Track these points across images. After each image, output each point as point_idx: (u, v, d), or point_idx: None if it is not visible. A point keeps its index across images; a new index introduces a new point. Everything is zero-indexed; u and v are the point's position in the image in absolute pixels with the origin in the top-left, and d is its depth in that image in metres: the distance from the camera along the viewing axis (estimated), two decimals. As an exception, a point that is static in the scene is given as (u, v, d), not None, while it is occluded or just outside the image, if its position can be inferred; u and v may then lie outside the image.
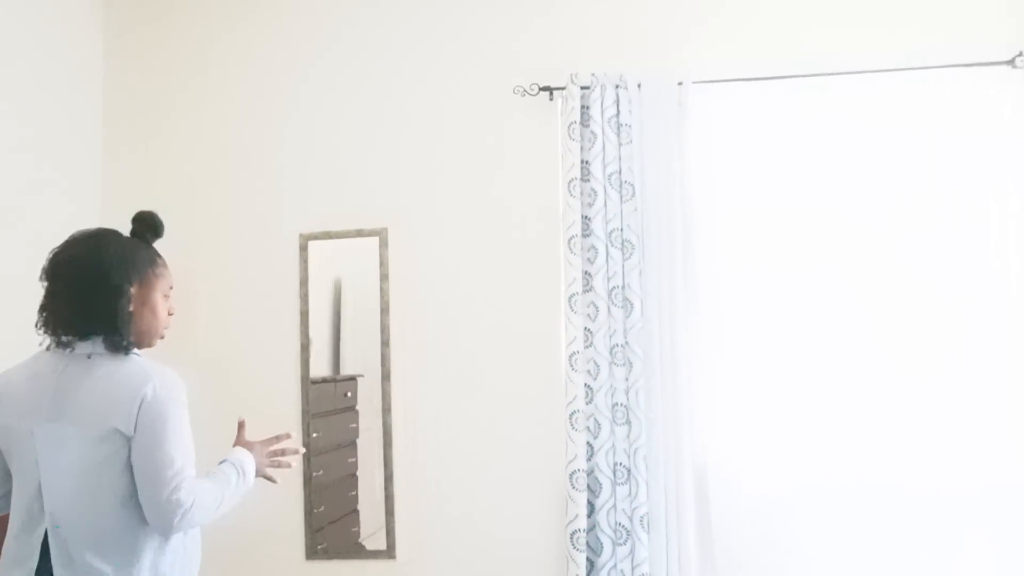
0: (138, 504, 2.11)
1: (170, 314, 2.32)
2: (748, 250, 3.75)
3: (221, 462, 2.32)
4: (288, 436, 2.50)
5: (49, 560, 2.08)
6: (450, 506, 3.76)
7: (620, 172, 3.64)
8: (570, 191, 3.64)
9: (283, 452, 2.47)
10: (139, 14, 4.09)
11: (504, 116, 3.82)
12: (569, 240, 3.62)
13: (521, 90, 3.77)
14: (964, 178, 3.67)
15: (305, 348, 3.86)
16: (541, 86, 3.75)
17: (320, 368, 3.89)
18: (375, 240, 3.85)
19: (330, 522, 3.85)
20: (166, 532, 2.13)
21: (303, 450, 2.56)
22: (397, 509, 3.77)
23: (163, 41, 4.07)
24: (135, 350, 2.22)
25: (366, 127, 3.91)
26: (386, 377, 3.81)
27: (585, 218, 3.65)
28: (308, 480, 3.81)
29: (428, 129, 3.88)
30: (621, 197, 3.63)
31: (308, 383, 3.86)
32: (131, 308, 2.19)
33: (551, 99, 3.76)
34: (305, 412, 3.83)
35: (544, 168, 3.78)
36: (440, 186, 3.86)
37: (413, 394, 3.81)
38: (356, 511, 3.85)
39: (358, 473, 3.82)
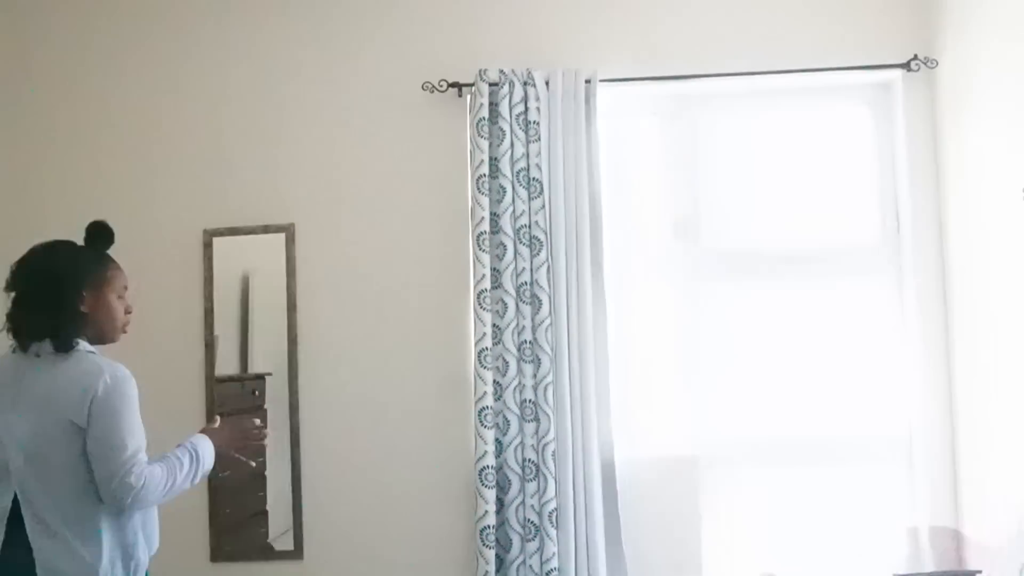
0: (93, 489, 2.35)
1: (128, 312, 2.58)
2: (656, 245, 3.86)
3: (177, 446, 2.51)
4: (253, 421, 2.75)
5: (14, 534, 2.34)
6: (359, 505, 3.73)
7: (528, 169, 3.65)
8: (479, 188, 3.64)
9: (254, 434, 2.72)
10: (21, 7, 3.94)
11: (413, 112, 3.80)
12: (478, 237, 3.62)
13: (430, 86, 3.75)
14: (859, 179, 3.82)
15: (210, 346, 3.78)
16: (450, 82, 3.74)
17: (228, 367, 3.82)
18: (282, 236, 3.79)
19: (238, 523, 3.79)
20: (119, 512, 2.38)
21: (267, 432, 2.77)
22: (305, 509, 3.73)
23: (60, 30, 3.94)
24: (89, 347, 2.45)
25: (273, 121, 3.85)
26: (293, 375, 3.76)
27: (494, 215, 3.65)
28: (213, 481, 3.73)
29: (336, 124, 3.84)
30: (529, 194, 3.64)
31: (213, 382, 3.78)
32: (85, 310, 2.44)
33: (460, 95, 3.75)
34: (210, 411, 3.74)
35: (453, 164, 3.76)
36: (348, 182, 3.82)
37: (321, 392, 3.76)
38: (265, 512, 3.79)
39: (267, 473, 3.75)
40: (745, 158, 3.90)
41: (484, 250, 3.61)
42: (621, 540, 3.59)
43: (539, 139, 3.64)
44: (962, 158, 3.51)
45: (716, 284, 3.85)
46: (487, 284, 3.61)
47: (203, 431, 2.65)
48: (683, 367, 3.83)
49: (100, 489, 2.36)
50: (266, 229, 3.80)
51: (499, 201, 3.64)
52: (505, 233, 3.62)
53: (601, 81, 3.68)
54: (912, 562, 3.14)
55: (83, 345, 2.46)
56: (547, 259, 3.60)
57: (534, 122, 3.65)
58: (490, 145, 3.67)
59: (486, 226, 3.62)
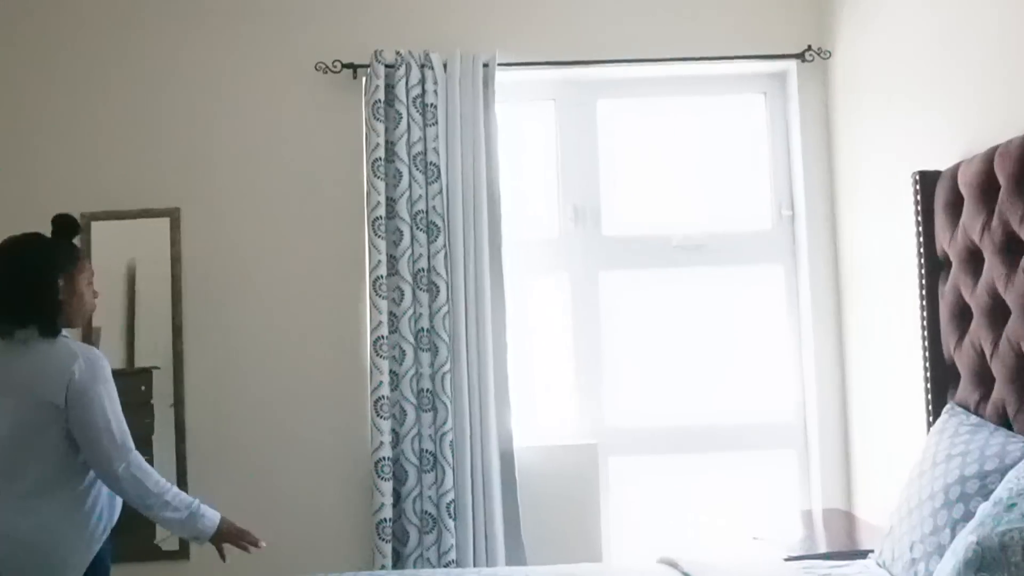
0: (72, 463, 2.51)
1: (96, 296, 2.71)
2: (555, 231, 3.85)
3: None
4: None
5: None
6: (249, 502, 3.55)
7: (425, 153, 3.57)
8: (374, 172, 3.54)
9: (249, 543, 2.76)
10: None
11: (306, 94, 3.68)
12: (374, 222, 3.52)
13: (323, 67, 3.63)
14: (755, 166, 3.89)
15: (87, 339, 3.58)
16: (344, 63, 3.63)
17: (113, 360, 3.61)
18: (166, 221, 3.63)
19: (124, 525, 3.59)
20: (108, 476, 2.52)
21: (263, 546, 2.79)
22: (192, 506, 3.56)
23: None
24: (65, 332, 2.58)
25: (154, 101, 3.67)
26: (179, 368, 3.59)
27: (390, 200, 3.55)
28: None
29: (225, 105, 3.69)
30: (426, 178, 3.56)
31: (94, 376, 3.58)
32: (61, 298, 2.55)
33: (355, 77, 3.64)
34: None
35: (348, 148, 3.66)
36: (236, 165, 3.68)
37: (209, 385, 3.61)
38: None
39: (154, 471, 3.57)
40: (643, 145, 3.94)
41: (380, 236, 3.51)
42: (520, 530, 3.54)
43: (436, 122, 3.56)
44: (853, 145, 3.57)
45: (615, 271, 3.87)
46: (383, 271, 3.51)
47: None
48: (582, 354, 3.81)
49: (90, 458, 2.51)
50: (148, 213, 3.62)
51: (395, 186, 3.54)
52: (401, 218, 3.53)
53: (500, 65, 3.62)
54: (806, 544, 3.17)
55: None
56: (445, 245, 3.53)
57: (431, 105, 3.56)
58: (386, 128, 3.57)
59: (382, 211, 3.52)
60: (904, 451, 3.15)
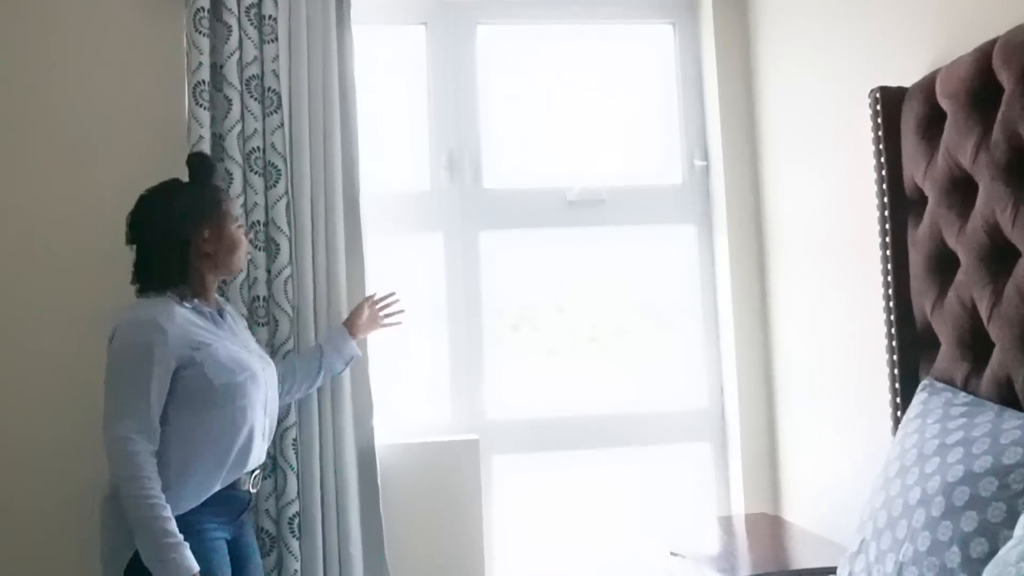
0: None
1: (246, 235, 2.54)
2: (425, 182, 3.21)
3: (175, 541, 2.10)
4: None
5: None
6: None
7: (262, 77, 2.84)
8: (197, 99, 2.78)
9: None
10: None
11: (112, 3, 2.92)
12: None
13: (132, -34, 2.87)
14: (662, 110, 3.37)
15: None
16: (160, -38, 2.88)
17: None
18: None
19: None
20: None
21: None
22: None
23: None
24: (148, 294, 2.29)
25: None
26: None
27: (217, 135, 2.81)
28: None
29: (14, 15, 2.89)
30: (264, 109, 2.83)
31: None
32: (207, 251, 2.34)
33: (173, -19, 2.89)
34: None
35: (165, 69, 2.91)
36: (31, 92, 2.88)
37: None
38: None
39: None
40: (532, 81, 3.33)
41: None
42: (383, 547, 2.85)
43: (276, 39, 2.84)
44: (781, 79, 3.01)
45: (498, 231, 3.24)
46: (209, 224, 2.76)
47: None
48: (459, 331, 3.16)
49: None
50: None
51: (223, 118, 2.80)
52: (231, 158, 2.79)
53: (355, -29, 2.92)
54: (730, 560, 2.61)
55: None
56: (287, 193, 2.81)
57: (270, 17, 2.84)
58: (212, 46, 2.82)
59: (206, 148, 2.77)
60: (851, 440, 2.60)
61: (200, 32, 2.80)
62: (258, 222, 2.80)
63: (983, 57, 1.91)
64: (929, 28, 2.22)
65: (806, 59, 2.85)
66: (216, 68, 2.83)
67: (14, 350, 2.84)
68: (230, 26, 2.81)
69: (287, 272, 2.79)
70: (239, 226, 2.44)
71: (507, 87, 3.29)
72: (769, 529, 2.90)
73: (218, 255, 2.36)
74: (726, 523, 3.02)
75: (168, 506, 2.09)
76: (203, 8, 2.80)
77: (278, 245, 2.79)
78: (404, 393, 3.14)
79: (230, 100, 2.80)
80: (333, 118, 2.87)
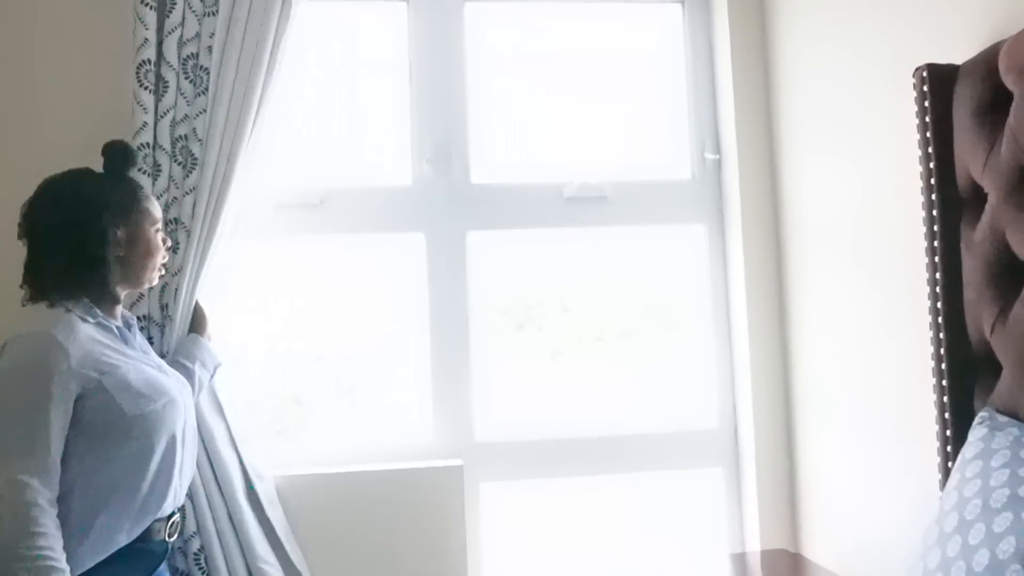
0: None
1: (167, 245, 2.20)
2: (401, 178, 2.88)
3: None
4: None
5: None
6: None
7: (198, 54, 2.50)
8: (141, 81, 2.45)
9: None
10: None
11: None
12: (139, 150, 2.43)
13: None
14: (669, 97, 3.04)
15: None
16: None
17: None
18: None
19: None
20: None
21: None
22: None
23: None
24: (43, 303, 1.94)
25: None
26: None
27: (158, 120, 2.47)
28: None
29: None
30: (195, 90, 2.49)
31: None
32: (120, 253, 2.02)
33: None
34: None
35: (113, 50, 2.57)
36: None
37: None
38: None
39: None
40: (526, 67, 3.03)
41: (145, 171, 2.44)
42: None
43: (217, 11, 2.49)
44: (801, 67, 2.67)
45: (487, 231, 2.92)
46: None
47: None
48: (444, 343, 2.83)
49: None
50: None
51: (161, 100, 2.47)
52: (161, 147, 2.46)
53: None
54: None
55: None
56: (197, 181, 2.45)
57: (215, -15, 2.50)
58: (159, 20, 2.49)
59: (149, 136, 2.44)
60: (885, 471, 2.26)
61: (146, 4, 2.46)
62: (175, 219, 2.46)
63: (1061, 23, 1.58)
64: (976, 7, 1.89)
65: (834, 35, 2.51)
66: (160, 46, 2.49)
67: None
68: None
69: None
70: (157, 230, 2.12)
71: (498, 71, 2.97)
72: (788, 569, 2.59)
73: (130, 260, 2.03)
74: (739, 561, 2.70)
75: (68, 569, 1.72)
76: (149, -23, 2.47)
77: (179, 244, 2.44)
78: (381, 410, 2.82)
79: (167, 82, 2.46)
80: (252, 98, 2.47)
